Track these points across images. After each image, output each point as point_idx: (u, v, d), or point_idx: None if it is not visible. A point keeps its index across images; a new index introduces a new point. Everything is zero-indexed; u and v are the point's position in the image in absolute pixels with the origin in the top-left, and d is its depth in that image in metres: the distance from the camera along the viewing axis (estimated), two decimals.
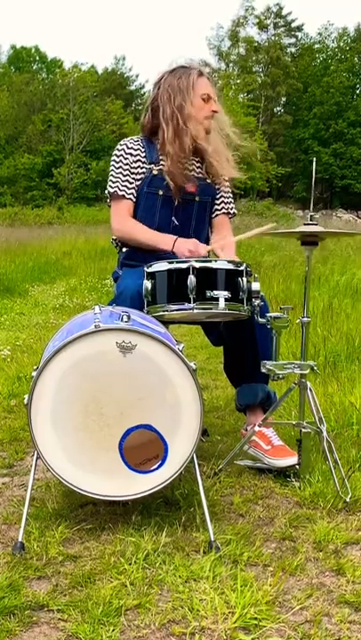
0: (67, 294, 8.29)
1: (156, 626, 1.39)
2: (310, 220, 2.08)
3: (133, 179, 2.54)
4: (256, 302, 2.14)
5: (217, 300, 2.05)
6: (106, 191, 2.61)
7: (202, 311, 2.07)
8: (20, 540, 1.71)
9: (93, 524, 1.87)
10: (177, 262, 2.09)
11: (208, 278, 2.07)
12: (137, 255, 2.52)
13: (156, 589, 1.53)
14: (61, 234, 18.27)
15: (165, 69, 2.57)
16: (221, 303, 2.05)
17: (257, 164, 34.71)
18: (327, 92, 42.14)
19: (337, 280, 7.10)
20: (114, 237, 2.65)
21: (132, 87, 48.29)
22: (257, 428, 2.29)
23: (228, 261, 2.11)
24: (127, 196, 2.54)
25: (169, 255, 2.39)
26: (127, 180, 2.54)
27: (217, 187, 2.63)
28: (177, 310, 2.08)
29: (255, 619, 1.40)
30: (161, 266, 2.11)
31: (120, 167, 2.56)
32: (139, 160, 2.55)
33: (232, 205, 2.71)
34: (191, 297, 2.04)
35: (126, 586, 1.54)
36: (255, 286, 2.12)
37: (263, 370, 2.16)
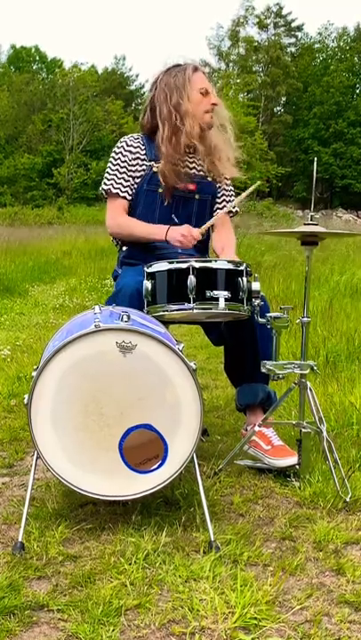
0: (67, 294, 8.29)
1: (156, 626, 1.39)
2: (310, 220, 2.08)
3: (130, 176, 2.54)
4: (256, 302, 2.14)
5: (217, 299, 2.05)
6: (100, 188, 2.61)
7: (202, 311, 2.07)
8: (19, 539, 1.71)
9: (93, 523, 1.87)
10: (177, 262, 2.09)
11: (208, 278, 2.07)
12: (137, 254, 2.52)
13: (156, 589, 1.53)
14: (61, 234, 18.26)
15: (160, 70, 2.57)
16: (221, 303, 2.05)
17: (257, 163, 34.72)
18: (327, 91, 42.14)
19: (337, 280, 7.10)
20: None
21: (132, 87, 48.30)
22: (257, 428, 2.29)
23: (228, 261, 2.12)
24: (121, 194, 2.54)
25: (169, 255, 2.39)
26: (123, 178, 2.54)
27: (218, 184, 2.63)
28: (177, 310, 2.08)
29: (255, 618, 1.40)
30: (161, 266, 2.11)
31: (117, 164, 2.55)
32: (138, 157, 2.54)
33: (234, 203, 2.71)
34: (191, 297, 2.04)
35: (126, 586, 1.54)
36: (255, 286, 2.12)
37: (263, 370, 2.16)
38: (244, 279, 2.09)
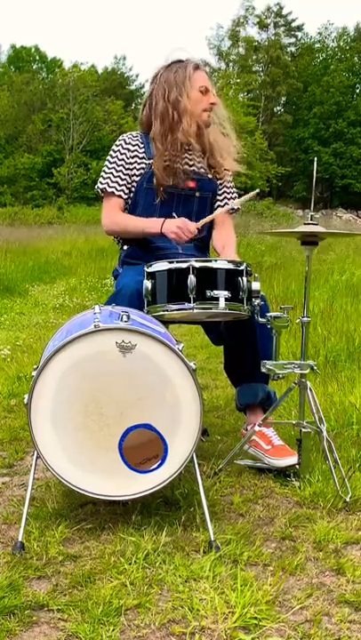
0: (67, 294, 8.29)
1: (156, 625, 1.39)
2: (310, 220, 2.08)
3: (127, 175, 2.53)
4: (256, 302, 2.14)
5: (217, 299, 2.05)
6: (96, 186, 2.61)
7: (202, 311, 2.07)
8: (20, 539, 1.71)
9: (93, 523, 1.87)
10: (177, 262, 2.09)
11: (208, 278, 2.06)
12: (138, 253, 2.52)
13: (156, 589, 1.53)
14: (61, 233, 18.26)
15: (161, 65, 2.55)
16: (221, 303, 2.05)
17: (257, 163, 34.71)
18: (327, 91, 42.12)
19: (337, 280, 7.10)
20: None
21: (133, 87, 48.29)
22: (257, 428, 2.29)
23: (229, 261, 2.11)
24: (117, 193, 2.53)
25: (170, 254, 2.39)
26: (119, 177, 2.53)
27: (219, 182, 2.62)
28: (177, 310, 2.08)
29: (255, 618, 1.40)
30: (161, 265, 2.11)
31: (114, 162, 2.55)
32: (136, 156, 2.54)
33: (235, 204, 2.70)
34: (191, 297, 2.04)
35: (126, 585, 1.54)
36: (255, 286, 2.12)
37: (263, 369, 2.16)
38: (245, 279, 2.09)
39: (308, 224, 2.08)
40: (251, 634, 1.36)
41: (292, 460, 2.21)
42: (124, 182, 2.53)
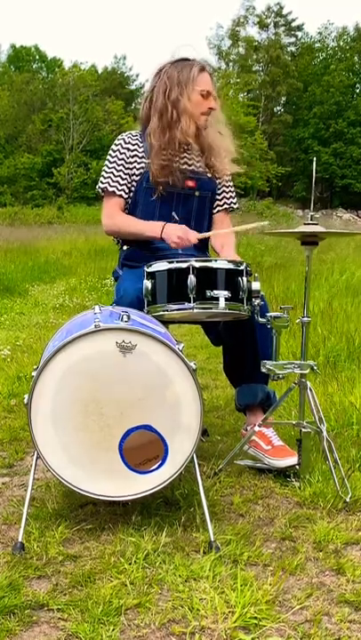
0: (67, 294, 8.29)
1: (156, 625, 1.39)
2: (310, 220, 2.08)
3: (127, 174, 2.53)
4: (256, 302, 2.14)
5: (217, 299, 2.05)
6: (97, 186, 2.60)
7: (202, 311, 2.07)
8: (20, 539, 1.71)
9: (93, 524, 1.87)
10: (177, 262, 2.09)
11: (208, 278, 2.06)
12: (137, 255, 2.52)
13: (156, 589, 1.53)
14: (61, 233, 18.26)
15: (167, 60, 2.53)
16: (221, 303, 2.05)
17: (257, 163, 34.71)
18: (327, 91, 42.13)
19: (337, 280, 7.10)
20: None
21: (133, 87, 48.29)
22: (257, 428, 2.29)
23: (229, 261, 2.11)
24: (117, 192, 2.53)
25: (169, 255, 2.38)
26: (119, 176, 2.53)
27: (218, 181, 2.62)
28: (177, 310, 2.08)
29: (255, 618, 1.40)
30: (161, 265, 2.11)
31: (114, 162, 2.54)
32: (135, 155, 2.54)
33: (234, 200, 2.70)
34: (191, 297, 2.04)
35: (126, 585, 1.54)
36: (255, 286, 2.12)
37: (263, 370, 2.16)
38: (245, 279, 2.09)
39: (308, 224, 2.08)
40: (251, 634, 1.36)
41: (292, 460, 2.21)
42: (125, 182, 2.53)
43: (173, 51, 2.54)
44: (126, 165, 2.53)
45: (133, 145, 2.55)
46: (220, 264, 2.10)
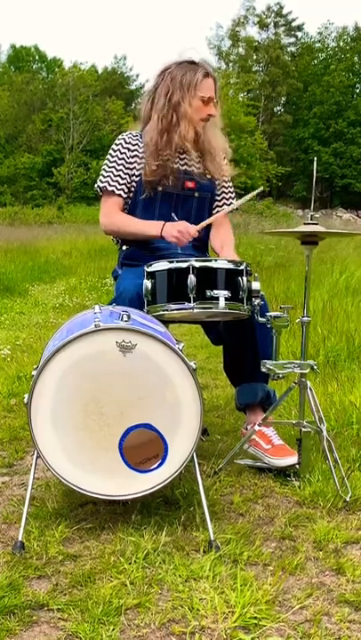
0: (67, 293, 8.29)
1: (156, 625, 1.39)
2: (310, 220, 2.08)
3: (127, 174, 2.53)
4: (256, 302, 2.14)
5: (217, 299, 2.05)
6: (96, 185, 2.59)
7: (202, 311, 2.07)
8: (19, 539, 1.71)
9: (93, 523, 1.87)
10: (177, 262, 2.09)
11: (208, 278, 2.06)
12: (137, 254, 2.52)
13: (155, 589, 1.53)
14: (61, 233, 18.26)
15: (173, 60, 2.52)
16: (221, 302, 2.05)
17: (257, 163, 34.72)
18: (327, 91, 42.12)
19: (337, 279, 7.09)
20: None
21: (133, 87, 48.28)
22: (257, 428, 2.29)
23: (229, 261, 2.11)
24: (117, 192, 2.52)
25: (169, 255, 2.38)
26: (119, 176, 2.52)
27: (217, 182, 2.62)
28: (177, 310, 2.08)
29: (255, 618, 1.40)
30: (161, 265, 2.11)
31: (114, 162, 2.54)
32: (136, 155, 2.53)
33: (234, 201, 2.70)
34: (191, 296, 2.04)
35: (126, 585, 1.54)
36: (255, 285, 2.12)
37: (263, 369, 2.16)
38: (245, 279, 2.09)
39: (308, 224, 2.08)
40: (251, 633, 1.36)
41: (292, 459, 2.21)
42: (125, 182, 2.53)
43: (181, 52, 2.53)
44: (126, 165, 2.53)
45: (134, 145, 2.54)
46: (220, 264, 2.10)
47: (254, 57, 45.95)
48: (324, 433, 2.10)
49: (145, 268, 2.15)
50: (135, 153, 2.53)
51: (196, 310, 2.05)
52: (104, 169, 2.57)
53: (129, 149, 2.54)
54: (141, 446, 1.78)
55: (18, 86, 40.15)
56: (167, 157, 2.47)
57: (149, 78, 2.62)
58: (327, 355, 3.88)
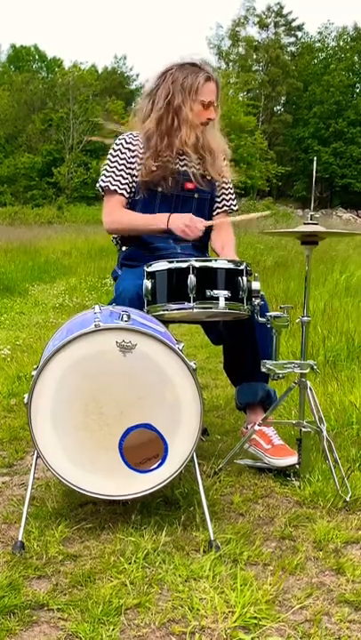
0: (66, 293, 8.29)
1: (156, 625, 1.39)
2: (310, 220, 2.08)
3: (128, 174, 2.52)
4: (256, 301, 2.14)
5: (217, 299, 2.05)
6: (97, 185, 2.59)
7: (202, 310, 2.07)
8: (19, 539, 1.71)
9: (93, 523, 1.87)
10: (177, 262, 2.09)
11: (208, 277, 2.06)
12: (137, 254, 2.52)
13: (155, 588, 1.53)
14: (61, 233, 18.26)
15: (175, 61, 2.50)
16: (221, 302, 2.05)
17: (257, 163, 34.71)
18: (327, 90, 42.12)
19: (337, 279, 7.09)
20: (114, 236, 2.64)
21: (133, 87, 48.25)
22: (257, 427, 2.29)
23: (229, 261, 2.11)
24: (119, 191, 2.52)
25: (169, 255, 2.38)
26: (121, 175, 2.52)
27: (217, 183, 2.62)
28: (177, 310, 2.08)
29: (255, 618, 1.40)
30: (161, 265, 2.11)
31: (115, 161, 2.54)
32: (136, 156, 2.53)
33: (234, 202, 2.70)
34: (191, 296, 2.04)
35: (126, 585, 1.54)
36: (255, 285, 2.12)
37: (263, 369, 2.16)
38: (245, 278, 2.09)
39: (308, 224, 2.08)
40: (251, 633, 1.36)
41: (292, 459, 2.21)
42: (126, 181, 2.52)
43: (183, 54, 2.51)
44: (127, 165, 2.53)
45: (134, 145, 2.54)
46: (220, 264, 2.10)
47: (254, 56, 45.95)
48: (324, 433, 2.10)
49: (145, 268, 2.14)
50: (136, 153, 2.53)
51: (195, 310, 2.05)
52: (105, 169, 2.56)
53: (129, 150, 2.54)
54: (141, 446, 1.78)
55: (18, 86, 40.14)
56: (167, 159, 2.47)
57: (149, 78, 2.61)
58: (327, 355, 3.88)
